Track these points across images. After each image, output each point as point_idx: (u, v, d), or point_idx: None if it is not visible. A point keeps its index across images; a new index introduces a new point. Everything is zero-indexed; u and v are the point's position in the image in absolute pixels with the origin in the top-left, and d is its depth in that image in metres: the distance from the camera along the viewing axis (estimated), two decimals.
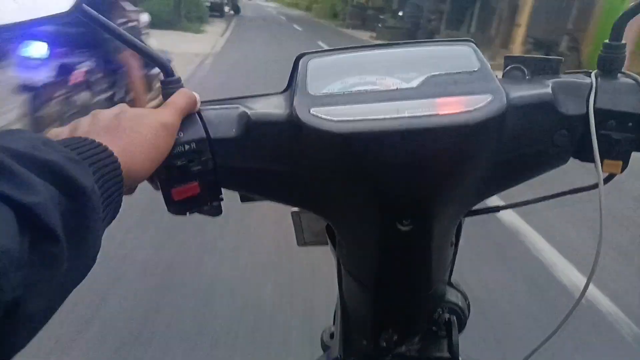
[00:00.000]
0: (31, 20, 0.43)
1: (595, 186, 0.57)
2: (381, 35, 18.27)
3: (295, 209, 0.70)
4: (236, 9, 26.85)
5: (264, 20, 26.14)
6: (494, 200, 0.65)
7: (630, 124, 0.53)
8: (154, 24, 12.28)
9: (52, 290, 0.32)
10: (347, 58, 0.59)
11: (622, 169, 0.55)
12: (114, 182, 0.40)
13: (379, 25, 19.65)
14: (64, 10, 0.45)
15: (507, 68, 0.60)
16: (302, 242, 0.77)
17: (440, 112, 0.48)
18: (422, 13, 18.76)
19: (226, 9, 25.63)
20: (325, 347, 0.81)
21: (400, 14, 20.32)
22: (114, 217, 0.42)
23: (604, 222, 0.52)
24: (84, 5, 0.46)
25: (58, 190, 0.32)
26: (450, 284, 0.69)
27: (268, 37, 16.60)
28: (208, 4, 20.65)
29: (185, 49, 10.12)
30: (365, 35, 19.38)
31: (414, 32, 17.70)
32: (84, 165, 0.36)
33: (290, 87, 0.56)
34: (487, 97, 0.50)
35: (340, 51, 0.60)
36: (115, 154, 0.41)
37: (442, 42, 0.60)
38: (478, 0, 15.37)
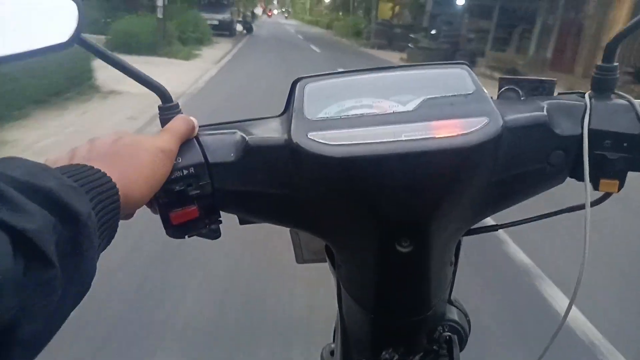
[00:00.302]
0: (29, 51, 0.44)
1: (596, 203, 0.58)
2: (413, 56, 16.03)
3: None
4: (249, 28, 25.33)
5: (278, 40, 23.20)
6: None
7: (625, 144, 0.53)
8: (130, 49, 10.54)
9: (48, 315, 0.32)
10: (343, 82, 0.60)
11: (619, 188, 0.55)
12: (111, 208, 0.40)
13: (410, 45, 17.53)
14: (62, 41, 0.46)
15: (502, 89, 0.60)
16: (301, 259, 0.77)
17: (437, 135, 0.49)
18: (459, 31, 16.89)
19: (240, 27, 24.62)
20: None
21: (433, 32, 18.03)
22: (109, 242, 0.42)
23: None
24: (82, 35, 0.48)
25: (54, 217, 0.33)
26: (451, 302, 0.69)
27: (277, 62, 13.32)
28: (216, 22, 19.03)
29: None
30: (394, 57, 17.23)
31: (452, 53, 14.95)
32: (81, 192, 0.37)
33: (287, 110, 0.57)
34: (483, 120, 0.50)
35: (337, 75, 0.61)
36: (113, 180, 0.41)
37: (437, 65, 0.61)
38: (539, 14, 13.35)
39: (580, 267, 0.53)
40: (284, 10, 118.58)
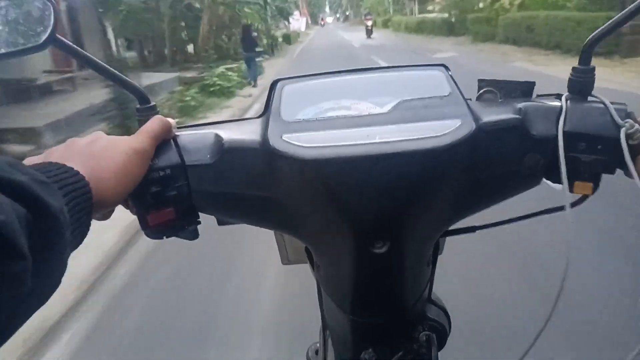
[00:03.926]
0: (4, 53, 0.45)
1: (574, 205, 0.58)
2: None
3: None
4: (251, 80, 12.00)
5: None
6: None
7: (599, 146, 0.53)
8: None
9: (13, 309, 0.32)
10: (322, 83, 0.60)
11: (593, 191, 0.55)
12: (84, 205, 0.41)
13: None
14: (37, 44, 0.47)
15: (481, 91, 0.61)
16: (286, 260, 0.78)
17: (410, 137, 0.49)
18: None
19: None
20: None
21: None
22: (81, 240, 0.42)
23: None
24: (57, 35, 0.48)
25: (26, 210, 0.32)
26: (431, 301, 0.69)
27: None
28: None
29: None
30: None
31: None
32: (53, 187, 0.37)
33: (266, 112, 0.57)
34: (456, 122, 0.51)
35: (316, 76, 0.61)
36: (85, 178, 0.42)
37: (415, 67, 0.61)
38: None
39: (565, 266, 0.53)
40: (338, 15, 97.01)
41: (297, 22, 44.00)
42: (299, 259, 0.76)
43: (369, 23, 28.50)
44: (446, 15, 23.67)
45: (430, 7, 34.57)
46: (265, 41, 20.51)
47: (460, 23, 20.70)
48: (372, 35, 27.90)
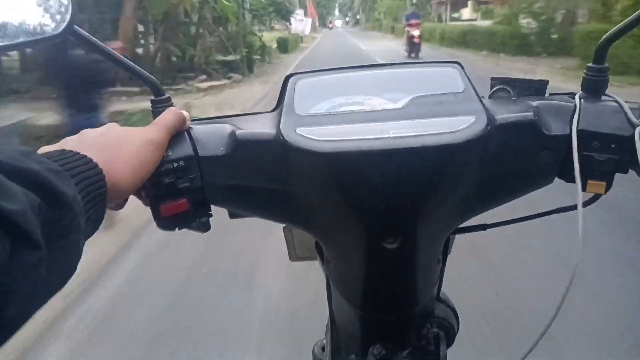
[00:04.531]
0: (21, 42, 0.44)
1: (586, 204, 0.57)
2: None
3: None
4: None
5: None
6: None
7: (613, 145, 0.53)
8: None
9: (29, 297, 0.32)
10: (336, 78, 0.60)
11: (606, 190, 0.55)
12: (97, 193, 0.41)
13: None
14: (55, 33, 0.46)
15: (493, 89, 0.61)
16: (294, 257, 0.78)
17: (424, 133, 0.49)
18: None
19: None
20: None
21: None
22: (96, 228, 0.42)
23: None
24: (75, 27, 0.48)
25: (39, 199, 0.32)
26: (439, 299, 0.69)
27: None
28: None
29: None
30: None
31: None
32: (66, 175, 0.37)
33: (279, 106, 0.58)
34: (470, 119, 0.51)
35: (330, 72, 0.61)
36: (99, 166, 0.42)
37: (429, 64, 0.61)
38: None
39: (573, 267, 0.52)
40: (347, 19, 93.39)
41: (301, 22, 33.67)
42: (307, 255, 0.76)
43: (415, 33, 15.31)
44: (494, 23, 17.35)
45: (455, 14, 29.91)
46: (242, 52, 12.97)
47: (538, 36, 14.61)
48: (415, 53, 15.48)
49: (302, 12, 34.34)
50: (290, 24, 29.91)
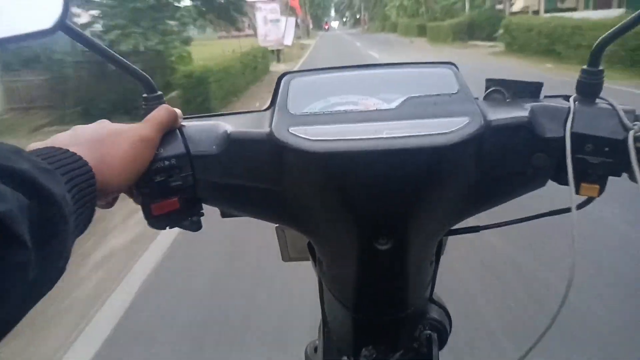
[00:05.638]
0: (11, 37, 0.44)
1: (580, 206, 0.57)
2: None
3: None
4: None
5: None
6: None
7: (606, 148, 0.52)
8: None
9: (18, 298, 0.31)
10: (330, 78, 0.60)
11: (599, 193, 0.54)
12: (87, 192, 0.40)
13: None
14: (46, 27, 0.46)
15: (488, 91, 0.60)
16: (287, 257, 0.78)
17: (417, 134, 0.49)
18: None
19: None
20: None
21: None
22: (86, 227, 0.42)
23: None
24: (67, 21, 0.48)
25: (27, 199, 0.32)
26: (432, 301, 0.69)
27: None
28: None
29: None
30: None
31: None
32: (55, 174, 0.37)
33: (273, 105, 0.57)
34: (464, 120, 0.51)
35: (324, 71, 0.61)
36: (89, 164, 0.41)
37: (424, 65, 0.61)
38: None
39: (570, 270, 0.53)
40: (345, 19, 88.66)
41: (277, 25, 17.31)
42: (300, 256, 0.76)
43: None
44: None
45: (499, 6, 19.67)
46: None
47: None
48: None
49: (274, 6, 17.14)
50: (248, 27, 19.69)
